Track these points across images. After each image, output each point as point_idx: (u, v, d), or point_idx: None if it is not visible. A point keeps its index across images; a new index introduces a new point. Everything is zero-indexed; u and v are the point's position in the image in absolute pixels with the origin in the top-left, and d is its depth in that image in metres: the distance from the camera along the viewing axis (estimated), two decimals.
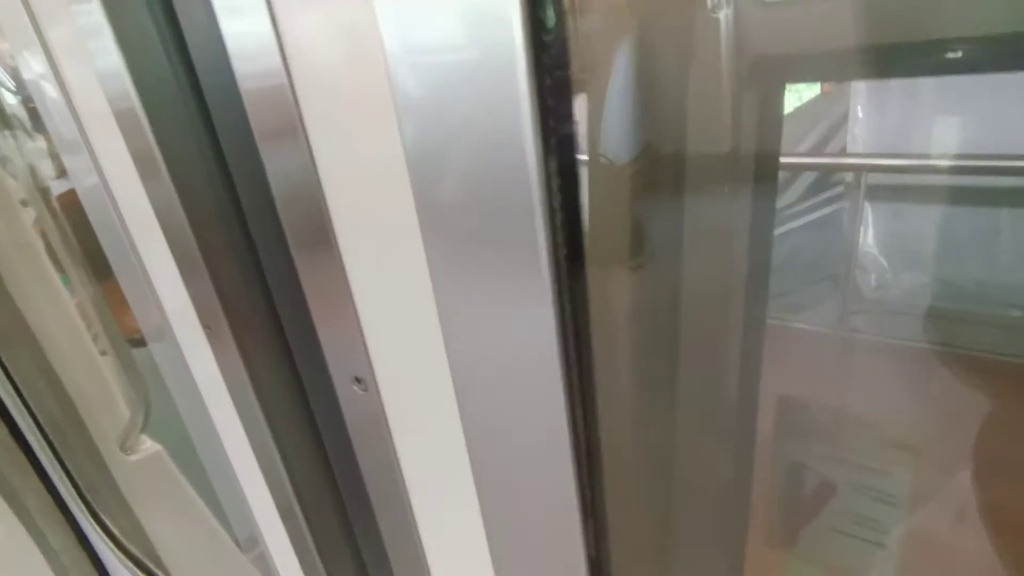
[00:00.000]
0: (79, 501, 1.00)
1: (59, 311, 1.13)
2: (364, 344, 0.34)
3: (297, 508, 0.44)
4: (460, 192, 0.26)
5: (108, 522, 1.01)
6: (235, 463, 0.48)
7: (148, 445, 1.08)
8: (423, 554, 0.37)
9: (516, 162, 0.24)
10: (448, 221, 0.27)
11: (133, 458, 1.05)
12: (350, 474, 0.39)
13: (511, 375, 0.29)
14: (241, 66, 0.31)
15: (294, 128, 0.29)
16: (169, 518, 1.14)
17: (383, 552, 0.41)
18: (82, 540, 1.07)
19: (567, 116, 0.25)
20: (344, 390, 0.36)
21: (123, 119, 0.34)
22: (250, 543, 1.25)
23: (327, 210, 0.30)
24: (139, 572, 1.04)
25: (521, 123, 0.23)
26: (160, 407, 1.25)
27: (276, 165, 0.32)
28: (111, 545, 1.03)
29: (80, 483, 0.99)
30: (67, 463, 0.99)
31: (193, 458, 1.25)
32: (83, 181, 0.69)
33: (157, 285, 0.45)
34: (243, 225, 0.36)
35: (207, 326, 0.41)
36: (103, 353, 1.08)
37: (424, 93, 0.24)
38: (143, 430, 1.08)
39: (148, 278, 0.45)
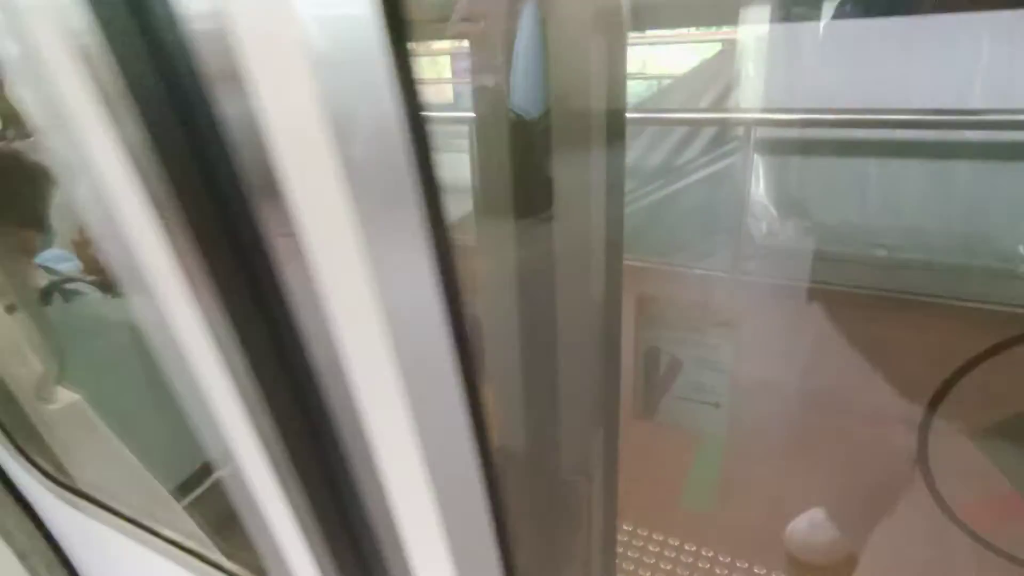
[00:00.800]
0: (5, 440, 1.05)
1: None
2: None
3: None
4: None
5: (37, 459, 1.07)
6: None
7: (66, 395, 1.15)
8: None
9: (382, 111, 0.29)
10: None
11: (51, 407, 1.13)
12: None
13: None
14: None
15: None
16: (95, 465, 1.22)
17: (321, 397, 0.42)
18: (7, 483, 1.14)
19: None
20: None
21: (86, 56, 0.32)
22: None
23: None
24: (74, 496, 1.09)
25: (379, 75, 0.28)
26: (77, 360, 1.32)
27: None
28: (43, 479, 1.08)
29: (4, 423, 1.04)
30: None
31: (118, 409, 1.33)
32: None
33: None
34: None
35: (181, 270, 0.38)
36: (12, 310, 1.14)
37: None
38: (58, 381, 1.15)
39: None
